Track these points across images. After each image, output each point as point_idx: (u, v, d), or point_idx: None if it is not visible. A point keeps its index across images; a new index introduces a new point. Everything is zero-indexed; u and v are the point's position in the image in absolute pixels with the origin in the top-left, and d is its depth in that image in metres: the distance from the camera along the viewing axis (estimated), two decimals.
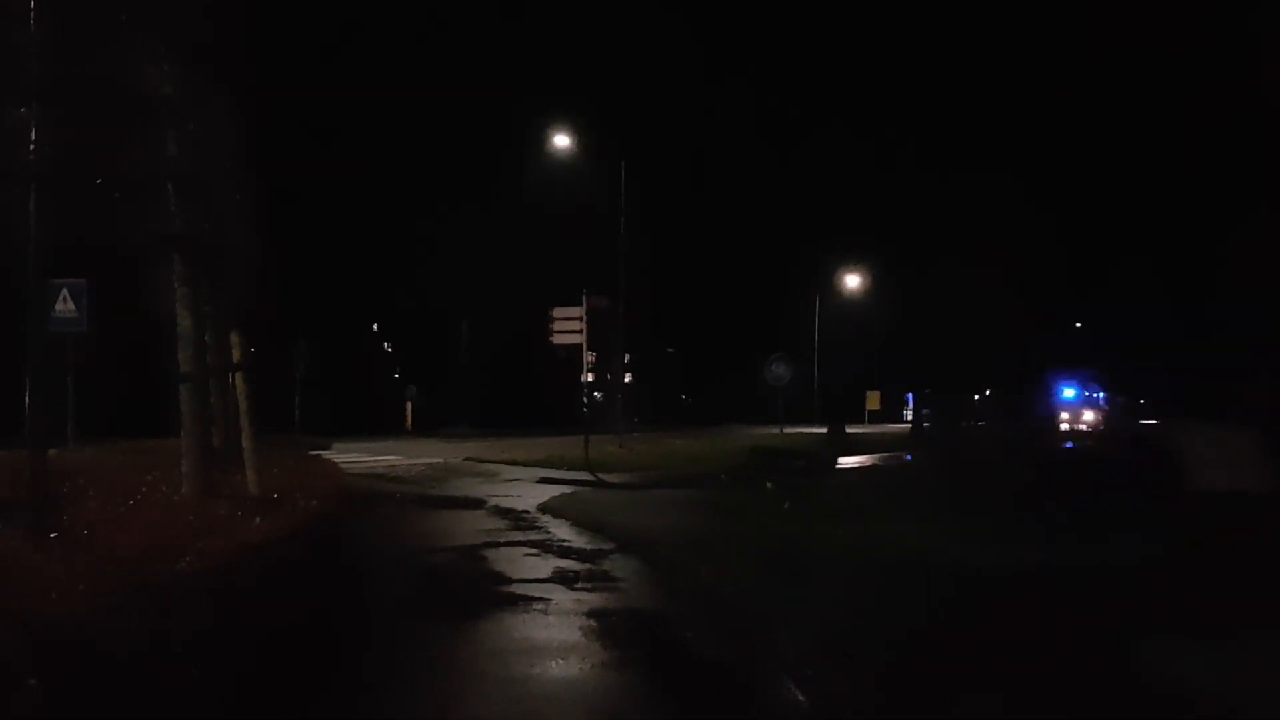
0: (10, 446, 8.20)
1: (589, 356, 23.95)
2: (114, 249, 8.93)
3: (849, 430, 31.76)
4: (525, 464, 19.41)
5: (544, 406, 43.47)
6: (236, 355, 10.63)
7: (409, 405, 37.46)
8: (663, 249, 43.60)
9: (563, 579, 8.10)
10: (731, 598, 7.29)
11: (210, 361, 10.58)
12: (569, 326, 22.20)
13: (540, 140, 27.39)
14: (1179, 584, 7.02)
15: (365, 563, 9.03)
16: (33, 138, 6.87)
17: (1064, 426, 37.35)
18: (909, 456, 24.57)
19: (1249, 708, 4.84)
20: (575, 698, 5.12)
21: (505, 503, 13.40)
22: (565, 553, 9.44)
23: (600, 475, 17.29)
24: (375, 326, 49.41)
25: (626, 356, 40.48)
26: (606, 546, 9.83)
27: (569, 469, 18.17)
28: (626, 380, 44.69)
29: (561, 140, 26.06)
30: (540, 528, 11.15)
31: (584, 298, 21.80)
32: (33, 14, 6.82)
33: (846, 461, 21.98)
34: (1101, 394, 42.99)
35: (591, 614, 6.84)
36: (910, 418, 51.39)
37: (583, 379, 25.31)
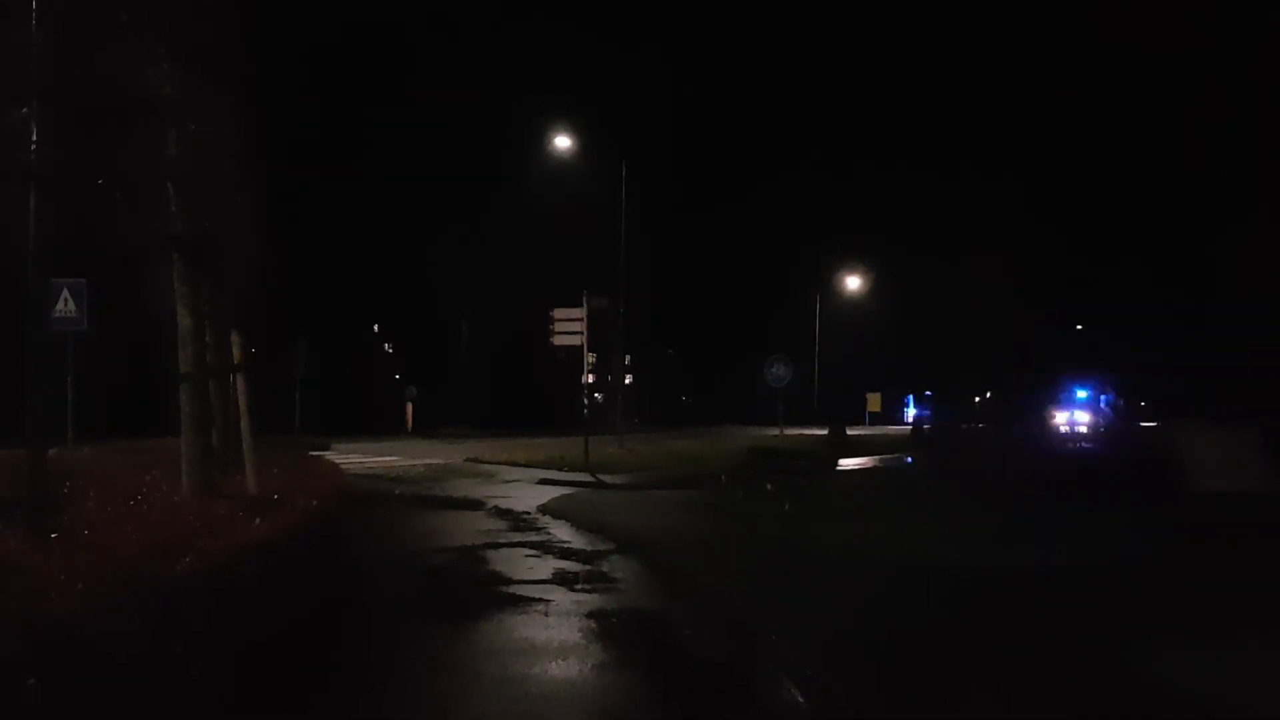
0: (10, 446, 8.19)
1: (589, 357, 23.94)
2: (114, 249, 8.92)
3: (849, 432, 31.80)
4: (525, 465, 19.42)
5: (544, 407, 43.48)
6: (237, 355, 10.63)
7: (409, 406, 37.47)
8: (663, 250, 43.65)
9: (562, 580, 8.10)
10: (731, 598, 7.29)
11: (210, 361, 10.57)
12: (570, 328, 22.20)
13: (540, 140, 27.46)
14: (1179, 584, 7.03)
15: (365, 563, 9.02)
16: (33, 137, 6.87)
17: (1064, 429, 37.38)
18: (909, 458, 24.58)
19: (1249, 708, 4.84)
20: (575, 698, 5.12)
21: (505, 504, 13.40)
22: (565, 554, 9.44)
23: (600, 476, 17.30)
24: (375, 327, 49.41)
25: (627, 357, 40.53)
26: (606, 547, 9.83)
27: (569, 470, 18.17)
28: (627, 381, 44.71)
29: (562, 141, 26.10)
30: (540, 529, 11.16)
31: (584, 299, 21.80)
32: (34, 14, 6.83)
33: (847, 463, 21.99)
34: (1104, 396, 43.04)
35: (591, 615, 6.84)
36: (910, 419, 51.43)
37: (583, 380, 25.30)
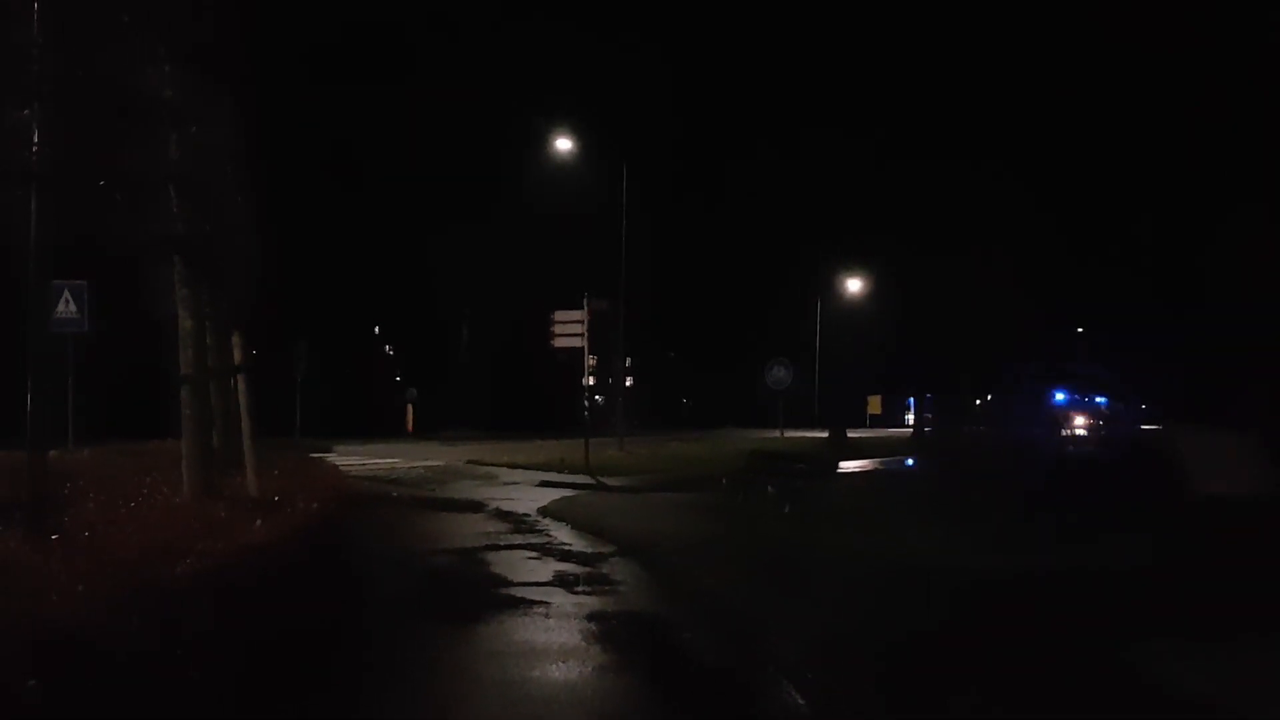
0: (11, 447, 8.20)
1: (590, 360, 23.93)
2: (115, 250, 8.93)
3: (850, 434, 31.78)
4: (525, 467, 19.41)
5: (544, 409, 43.45)
6: (237, 357, 10.65)
7: (409, 408, 37.51)
8: (663, 251, 43.59)
9: (563, 582, 8.10)
10: (731, 601, 7.29)
11: (211, 363, 10.59)
12: (570, 330, 22.19)
13: (540, 141, 27.49)
14: (1179, 587, 7.02)
15: (365, 565, 9.02)
16: (35, 139, 6.89)
17: (1065, 432, 37.37)
18: (910, 461, 24.57)
19: (1250, 709, 4.84)
20: (575, 701, 5.12)
21: (505, 505, 13.40)
22: (565, 556, 9.44)
23: (601, 478, 17.30)
24: (376, 329, 49.40)
25: (627, 359, 40.46)
26: (606, 550, 9.83)
27: (569, 472, 18.17)
28: (627, 383, 44.68)
29: (563, 143, 26.11)
30: (540, 531, 11.16)
31: (585, 301, 21.79)
32: (35, 15, 6.84)
33: (847, 466, 21.99)
34: (1102, 399, 43.03)
35: (591, 617, 6.84)
36: (911, 422, 51.40)
37: (583, 382, 25.28)
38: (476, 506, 13.29)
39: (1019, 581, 7.59)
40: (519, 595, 7.50)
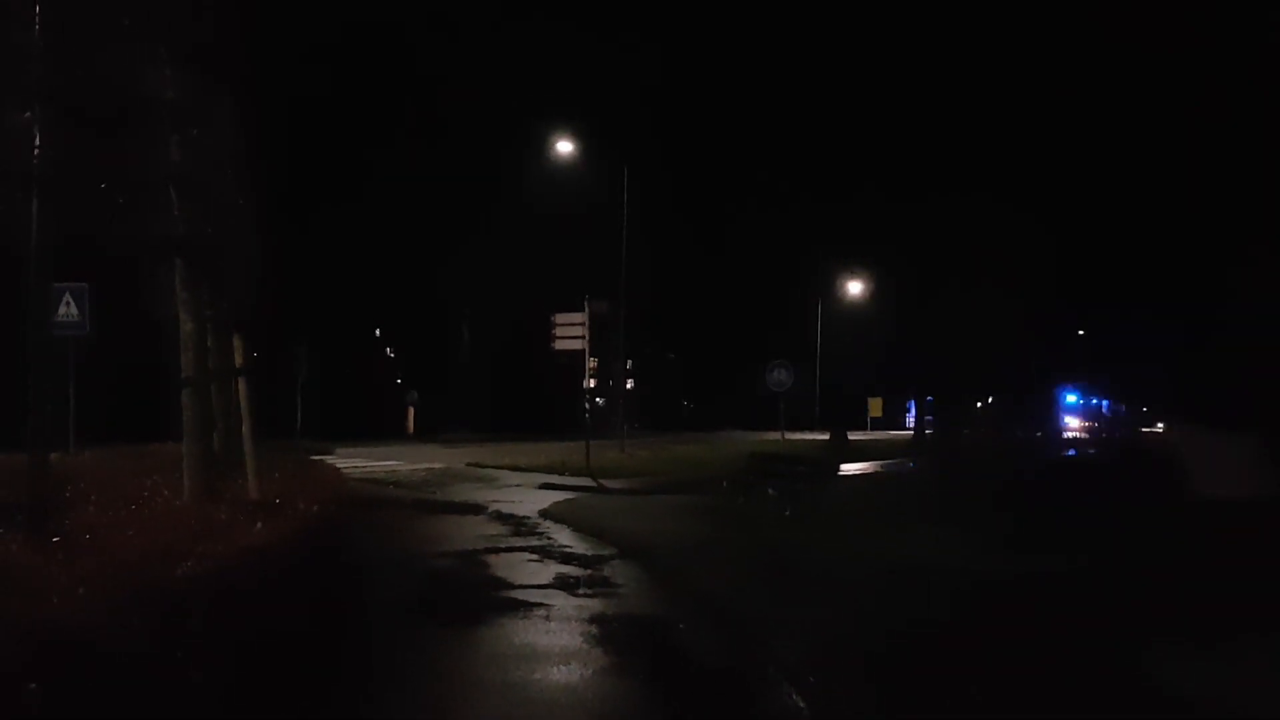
0: (12, 450, 8.20)
1: (590, 362, 23.93)
2: (116, 252, 8.94)
3: (851, 437, 31.80)
4: (526, 469, 19.39)
5: (545, 411, 43.48)
6: (238, 359, 10.66)
7: (410, 410, 37.49)
8: (664, 253, 43.56)
9: (563, 584, 8.09)
10: (732, 603, 7.28)
11: (212, 365, 10.59)
12: (571, 333, 22.19)
13: (541, 143, 27.49)
14: (1181, 588, 7.02)
15: (366, 567, 9.01)
16: (35, 141, 6.89)
17: (1068, 434, 37.40)
18: (911, 463, 24.59)
19: (1250, 710, 4.83)
20: (576, 703, 5.11)
21: (506, 508, 13.39)
22: (566, 558, 9.43)
23: (601, 481, 17.29)
24: (377, 331, 49.41)
25: (628, 362, 40.49)
26: (607, 552, 9.82)
27: (570, 474, 18.15)
28: (628, 386, 44.70)
29: (563, 145, 26.11)
30: (541, 533, 11.14)
31: (586, 303, 21.79)
32: (36, 17, 6.84)
33: (848, 468, 21.99)
34: (1105, 401, 43.07)
35: (592, 619, 6.83)
36: (912, 424, 51.40)
37: (584, 384, 25.28)
38: (477, 509, 13.28)
39: (1019, 582, 7.59)
40: (520, 598, 7.49)
